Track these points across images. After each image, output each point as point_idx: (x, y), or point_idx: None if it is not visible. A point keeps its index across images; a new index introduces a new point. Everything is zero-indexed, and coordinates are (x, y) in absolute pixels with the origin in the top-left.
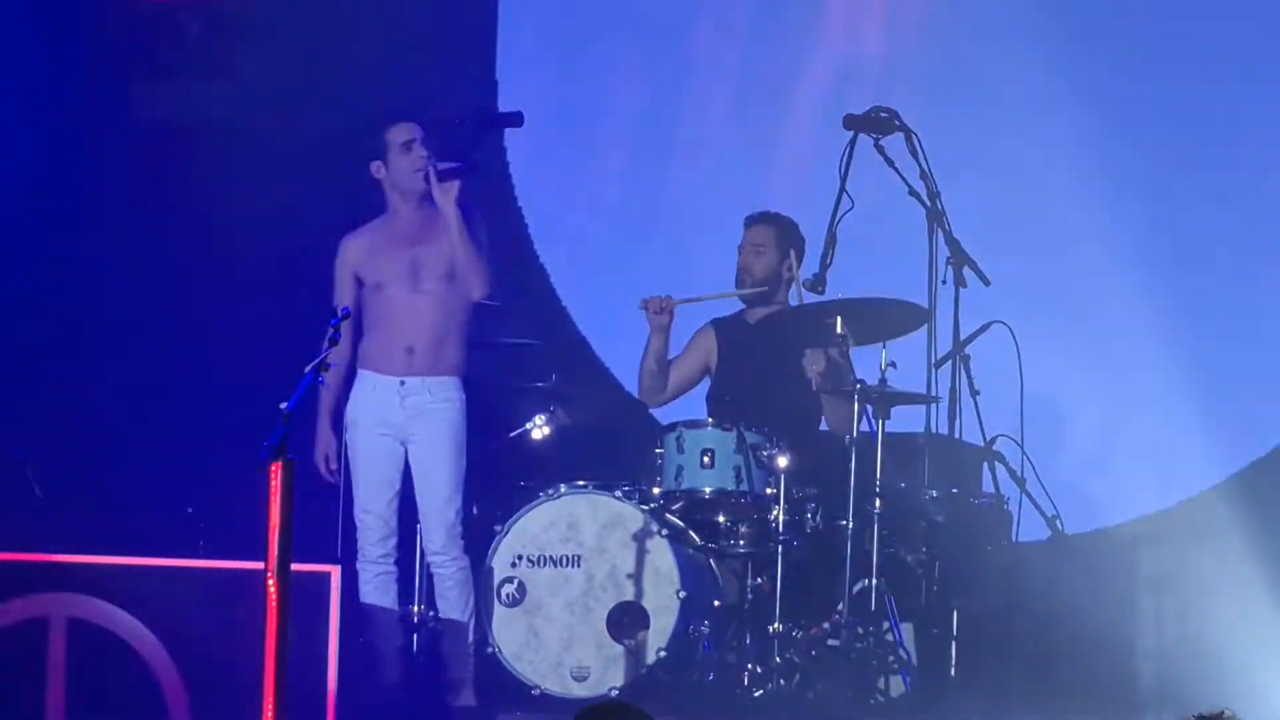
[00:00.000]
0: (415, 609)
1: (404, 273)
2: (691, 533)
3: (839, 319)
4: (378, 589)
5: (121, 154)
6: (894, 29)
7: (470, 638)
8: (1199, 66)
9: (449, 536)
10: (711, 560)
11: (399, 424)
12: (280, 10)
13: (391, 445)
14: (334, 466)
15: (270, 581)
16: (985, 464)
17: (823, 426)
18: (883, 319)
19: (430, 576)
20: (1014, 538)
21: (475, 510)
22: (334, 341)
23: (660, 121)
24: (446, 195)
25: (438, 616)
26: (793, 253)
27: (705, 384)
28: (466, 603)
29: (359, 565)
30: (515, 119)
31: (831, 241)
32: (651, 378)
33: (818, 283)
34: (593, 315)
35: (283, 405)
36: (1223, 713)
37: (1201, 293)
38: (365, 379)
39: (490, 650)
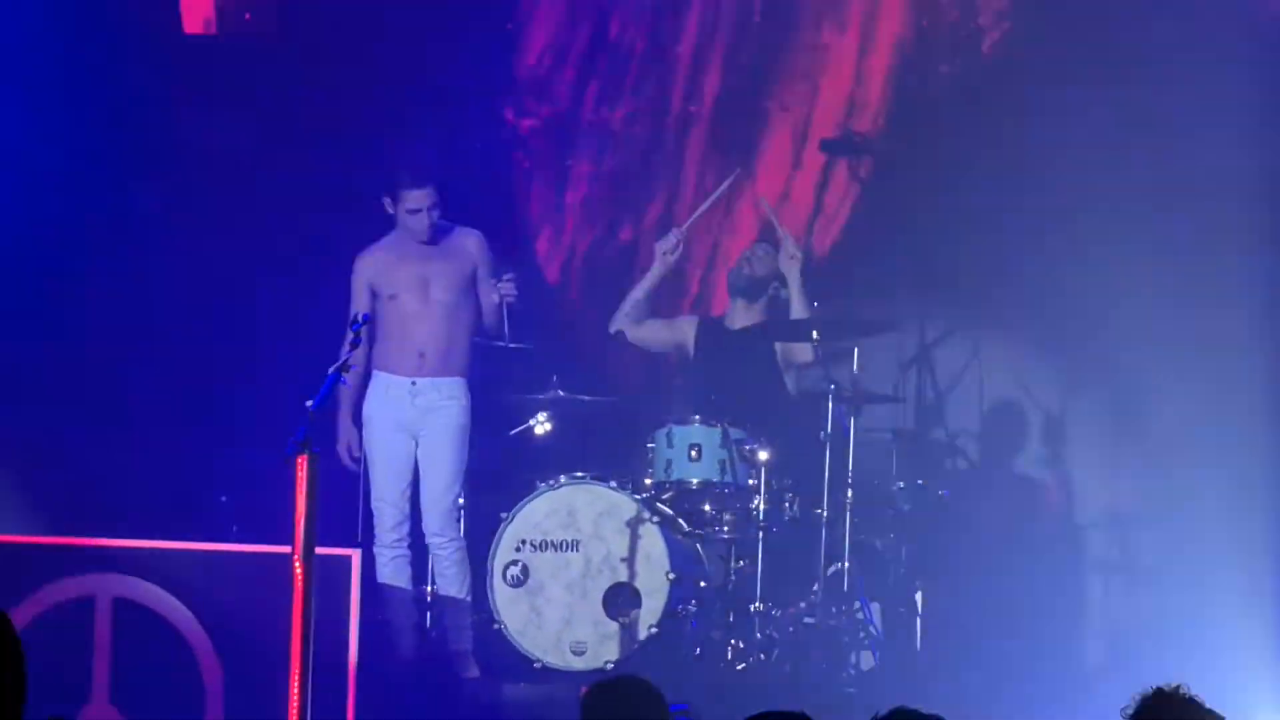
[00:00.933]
0: (429, 589)
1: (414, 284)
2: (680, 520)
3: (814, 332)
4: (393, 570)
5: (164, 168)
6: (876, 51)
7: (469, 614)
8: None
9: (446, 520)
10: (698, 545)
11: (411, 420)
12: (305, 50)
13: (404, 440)
14: (356, 455)
15: (296, 564)
16: (948, 458)
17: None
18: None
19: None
20: (975, 525)
21: (481, 500)
22: (354, 345)
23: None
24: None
25: (436, 594)
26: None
27: (687, 389)
28: (464, 581)
29: (376, 549)
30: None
31: (809, 254)
32: (635, 306)
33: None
34: (593, 318)
35: (308, 403)
36: (1179, 687)
37: (1137, 298)
38: (379, 379)
39: (496, 627)
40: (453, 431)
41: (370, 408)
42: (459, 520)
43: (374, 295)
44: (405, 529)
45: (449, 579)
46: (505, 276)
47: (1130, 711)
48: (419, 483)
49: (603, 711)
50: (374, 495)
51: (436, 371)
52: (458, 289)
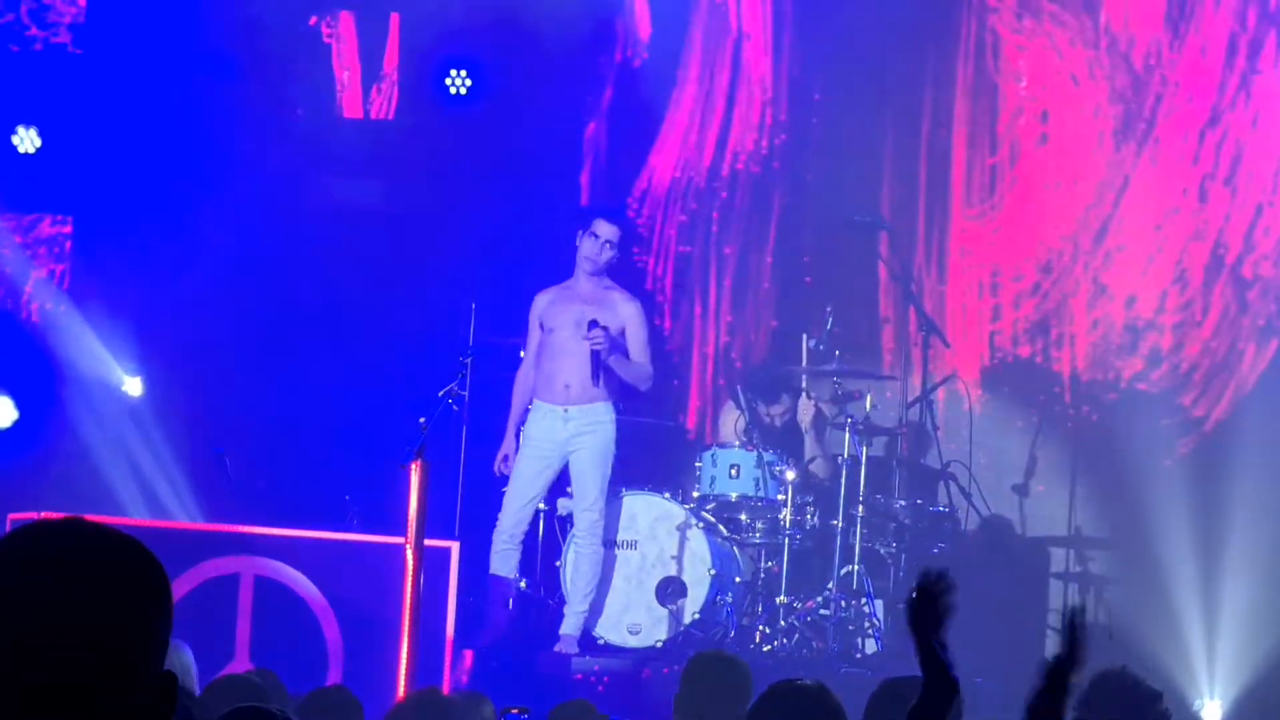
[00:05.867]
0: (521, 581)
1: (571, 323)
2: (721, 526)
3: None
4: (501, 560)
5: (326, 218)
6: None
7: (583, 617)
8: None
9: (591, 529)
10: (735, 547)
11: (562, 442)
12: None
13: (551, 463)
14: (506, 469)
15: (409, 551)
16: (941, 482)
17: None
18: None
19: (541, 556)
20: (961, 538)
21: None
22: (461, 375)
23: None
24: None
25: (542, 588)
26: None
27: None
28: (590, 578)
29: (494, 536)
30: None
31: (831, 314)
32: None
33: (820, 345)
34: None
35: (422, 420)
36: (1124, 667)
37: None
38: (538, 407)
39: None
40: (598, 451)
41: (529, 429)
42: (601, 528)
43: (542, 328)
44: (522, 529)
45: (581, 573)
46: (594, 328)
47: (1084, 688)
48: (549, 500)
49: (701, 673)
50: (507, 496)
51: (583, 399)
52: (606, 335)
